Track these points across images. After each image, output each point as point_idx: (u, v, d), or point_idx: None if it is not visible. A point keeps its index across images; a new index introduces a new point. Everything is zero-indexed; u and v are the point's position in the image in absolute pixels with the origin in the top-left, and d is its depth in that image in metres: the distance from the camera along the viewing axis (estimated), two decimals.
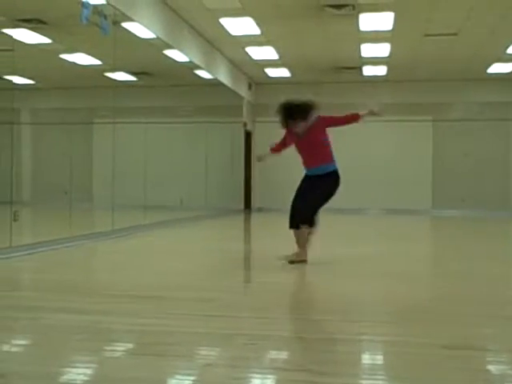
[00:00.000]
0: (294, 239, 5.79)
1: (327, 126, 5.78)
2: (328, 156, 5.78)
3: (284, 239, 8.09)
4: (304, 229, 5.70)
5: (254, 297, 4.47)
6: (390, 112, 15.82)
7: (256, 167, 15.78)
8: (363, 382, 2.49)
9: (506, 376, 2.58)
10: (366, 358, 2.87)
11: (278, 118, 5.78)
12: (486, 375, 2.57)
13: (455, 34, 10.90)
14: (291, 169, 15.81)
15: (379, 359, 2.87)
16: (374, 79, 15.38)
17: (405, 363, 2.68)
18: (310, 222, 5.75)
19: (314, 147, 5.71)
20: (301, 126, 5.69)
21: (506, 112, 15.39)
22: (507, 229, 12.31)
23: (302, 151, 5.80)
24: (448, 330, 3.28)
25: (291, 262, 5.62)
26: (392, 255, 6.91)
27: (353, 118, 5.77)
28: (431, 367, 2.60)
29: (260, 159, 6.07)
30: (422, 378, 2.48)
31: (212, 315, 3.74)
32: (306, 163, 5.82)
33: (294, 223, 5.73)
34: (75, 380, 2.44)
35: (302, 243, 5.73)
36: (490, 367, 2.72)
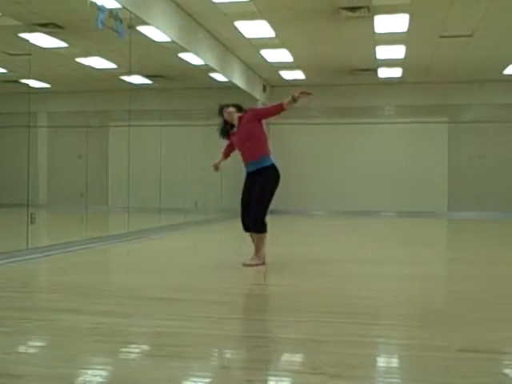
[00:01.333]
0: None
1: (258, 118, 5.82)
2: (263, 149, 5.79)
3: (297, 241, 8.07)
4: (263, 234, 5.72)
5: (268, 299, 4.47)
6: (405, 114, 15.79)
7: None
8: None
9: None
10: (381, 361, 2.86)
11: (218, 126, 6.16)
12: (502, 378, 2.55)
13: (471, 36, 10.84)
14: (305, 171, 15.83)
15: (394, 362, 2.86)
16: (390, 81, 15.32)
17: (420, 366, 2.66)
18: (263, 227, 5.72)
19: (247, 139, 5.74)
20: (235, 119, 5.87)
21: None
22: None
23: (239, 147, 5.87)
24: (464, 333, 3.26)
25: (248, 266, 5.63)
26: (408, 258, 6.88)
27: (278, 108, 5.73)
28: (446, 370, 2.59)
29: (216, 168, 6.19)
30: (437, 381, 2.46)
31: (226, 317, 3.74)
32: (244, 160, 5.89)
33: (248, 227, 5.78)
34: (91, 382, 2.46)
35: (260, 246, 5.73)
36: (507, 370, 2.70)
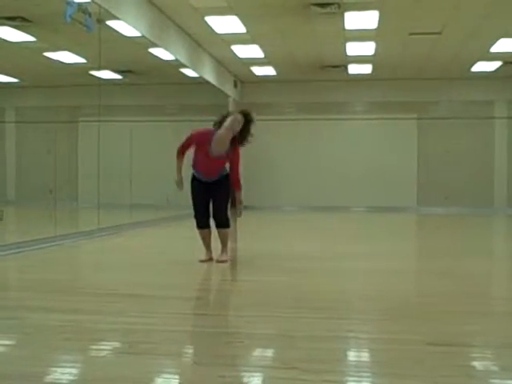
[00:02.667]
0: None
1: (233, 152, 5.67)
2: (224, 169, 5.82)
3: (269, 236, 8.10)
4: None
5: (240, 295, 4.48)
6: (375, 110, 15.92)
7: (242, 165, 15.76)
8: (349, 378, 2.51)
9: (490, 372, 2.61)
10: (352, 355, 2.89)
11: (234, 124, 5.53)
12: (471, 371, 2.60)
13: (439, 33, 10.96)
14: (276, 167, 15.87)
15: (365, 356, 2.88)
16: (360, 77, 15.43)
17: (390, 360, 2.70)
18: (229, 223, 5.83)
19: (218, 166, 5.71)
20: (223, 147, 5.60)
21: (489, 110, 15.50)
22: (491, 225, 12.41)
23: (206, 163, 5.68)
24: (433, 326, 3.31)
25: (222, 262, 5.68)
26: (378, 253, 6.94)
27: (236, 182, 5.77)
28: (416, 364, 2.62)
29: (179, 185, 5.86)
30: (407, 374, 2.49)
31: (197, 314, 3.74)
32: (207, 173, 5.73)
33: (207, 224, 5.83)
34: (61, 380, 2.44)
35: (227, 241, 5.83)
36: (475, 363, 2.75)
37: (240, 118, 5.54)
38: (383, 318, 3.55)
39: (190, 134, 5.80)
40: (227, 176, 5.81)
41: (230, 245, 5.89)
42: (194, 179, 5.87)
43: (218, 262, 5.68)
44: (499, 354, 2.87)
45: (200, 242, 5.84)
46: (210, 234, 5.86)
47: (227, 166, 5.81)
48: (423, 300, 4.17)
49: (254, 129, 5.63)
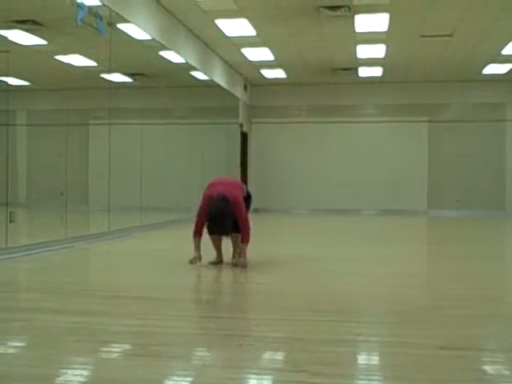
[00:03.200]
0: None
1: (239, 195, 5.60)
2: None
3: (279, 239, 8.09)
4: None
5: (250, 298, 4.47)
6: (385, 113, 15.88)
7: (252, 168, 15.79)
8: (359, 382, 2.49)
9: (502, 376, 2.59)
10: (363, 359, 2.87)
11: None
12: (482, 375, 2.58)
13: (450, 35, 10.93)
14: (287, 170, 15.86)
15: (375, 360, 2.87)
16: (370, 80, 15.40)
17: (401, 364, 2.68)
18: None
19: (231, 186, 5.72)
20: None
21: (500, 113, 15.43)
22: (502, 229, 12.34)
23: (218, 187, 5.65)
24: (444, 330, 3.29)
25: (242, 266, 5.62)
26: (388, 256, 6.92)
27: (245, 232, 5.59)
28: (428, 368, 2.61)
29: (194, 262, 5.61)
30: (418, 378, 2.48)
31: (208, 316, 3.74)
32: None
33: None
34: (71, 382, 2.44)
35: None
36: (486, 367, 2.73)
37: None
38: (393, 321, 3.53)
39: (199, 206, 5.68)
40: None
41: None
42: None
43: (237, 265, 5.65)
44: (511, 357, 2.85)
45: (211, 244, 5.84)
46: (220, 239, 5.81)
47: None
48: (434, 303, 4.15)
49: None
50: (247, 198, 5.84)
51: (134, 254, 7.11)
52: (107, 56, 8.63)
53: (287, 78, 15.15)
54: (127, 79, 11.26)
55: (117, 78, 10.36)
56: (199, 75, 12.01)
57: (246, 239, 5.59)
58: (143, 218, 10.07)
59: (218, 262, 5.79)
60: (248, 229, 5.58)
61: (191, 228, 5.69)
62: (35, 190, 12.54)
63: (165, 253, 7.15)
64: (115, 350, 2.93)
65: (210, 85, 12.60)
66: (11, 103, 7.41)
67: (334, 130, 15.97)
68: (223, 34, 10.88)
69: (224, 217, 5.35)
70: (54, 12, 8.06)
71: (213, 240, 5.81)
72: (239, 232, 5.67)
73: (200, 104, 12.64)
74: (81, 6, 7.14)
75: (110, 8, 7.81)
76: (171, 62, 10.71)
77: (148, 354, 2.79)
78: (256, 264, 5.80)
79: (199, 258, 5.60)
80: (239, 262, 5.66)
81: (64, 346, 2.94)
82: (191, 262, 5.59)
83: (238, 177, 5.66)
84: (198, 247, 5.63)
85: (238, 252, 5.76)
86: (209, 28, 10.56)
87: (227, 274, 5.43)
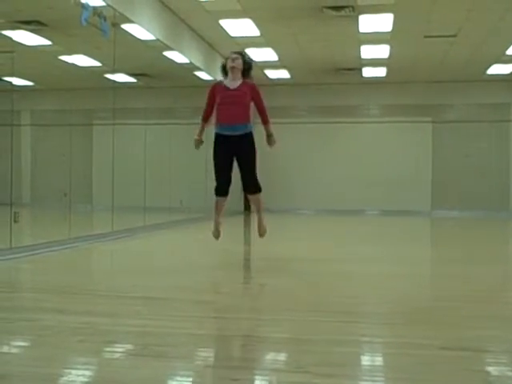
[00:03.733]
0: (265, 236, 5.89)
1: (253, 98, 5.76)
2: (250, 117, 5.82)
3: (284, 239, 8.10)
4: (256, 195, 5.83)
5: (254, 298, 4.47)
6: (389, 113, 15.87)
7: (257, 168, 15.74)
8: (363, 383, 2.49)
9: (505, 377, 2.59)
10: (365, 360, 2.87)
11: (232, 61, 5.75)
12: (485, 376, 2.57)
13: (454, 36, 10.91)
14: (290, 170, 15.86)
15: (378, 360, 2.87)
16: (374, 80, 15.39)
17: (404, 365, 2.68)
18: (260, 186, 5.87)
19: (239, 104, 5.69)
20: (236, 76, 5.75)
21: (505, 113, 15.40)
22: (506, 230, 12.31)
23: (226, 104, 5.70)
24: (448, 331, 3.28)
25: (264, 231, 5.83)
26: (392, 256, 6.91)
27: (265, 117, 5.91)
28: (430, 369, 2.60)
29: (199, 144, 5.92)
30: (420, 379, 2.48)
31: (211, 317, 3.75)
32: (227, 120, 5.68)
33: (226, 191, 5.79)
34: (75, 381, 2.44)
35: (261, 205, 5.91)
36: (489, 368, 2.72)
37: (233, 55, 5.80)
38: (397, 322, 3.53)
39: (207, 95, 5.87)
40: (252, 134, 5.80)
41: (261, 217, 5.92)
42: (217, 138, 5.78)
43: (261, 235, 5.76)
44: None
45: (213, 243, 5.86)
46: (225, 203, 5.83)
47: (250, 122, 5.81)
48: (437, 304, 4.14)
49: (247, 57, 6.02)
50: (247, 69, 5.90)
51: (137, 254, 7.12)
52: (111, 56, 8.64)
53: (291, 78, 15.15)
54: (131, 79, 11.28)
55: (121, 78, 10.38)
56: (203, 75, 12.02)
57: (265, 119, 5.89)
58: (147, 218, 10.08)
59: (219, 234, 5.86)
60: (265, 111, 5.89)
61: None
62: (39, 190, 12.57)
63: (168, 253, 7.15)
64: (119, 350, 2.93)
65: None
66: (15, 103, 7.43)
67: (338, 131, 15.96)
68: (227, 34, 10.88)
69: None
70: (59, 12, 8.08)
71: (218, 205, 5.81)
72: (259, 192, 5.80)
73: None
74: (85, 7, 7.16)
75: (114, 8, 7.82)
76: (175, 62, 10.72)
77: (151, 354, 2.79)
78: (260, 264, 5.80)
79: (199, 140, 5.90)
80: (261, 229, 5.84)
81: (67, 346, 2.94)
82: (195, 143, 5.88)
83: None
84: (201, 130, 5.95)
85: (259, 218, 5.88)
86: (213, 28, 10.57)
87: (230, 275, 5.43)
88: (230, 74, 5.76)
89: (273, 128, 5.91)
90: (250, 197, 5.86)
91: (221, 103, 5.69)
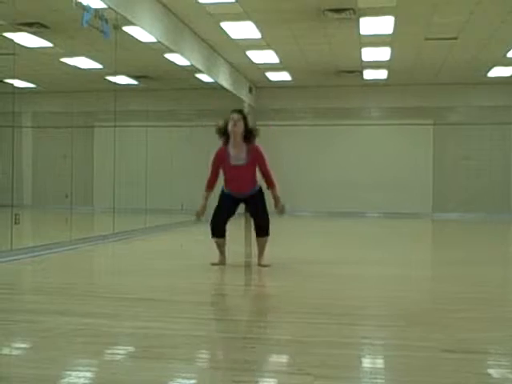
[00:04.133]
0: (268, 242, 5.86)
1: (257, 163, 5.68)
2: (256, 181, 5.80)
3: (283, 241, 8.10)
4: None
5: (255, 300, 4.48)
6: (390, 116, 15.87)
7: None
8: None
9: (507, 379, 2.59)
10: (366, 362, 2.87)
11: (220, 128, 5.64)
12: (486, 378, 2.57)
13: (455, 38, 10.91)
14: (291, 172, 15.85)
15: (379, 363, 2.87)
16: (375, 83, 15.39)
17: (405, 367, 2.68)
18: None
19: (245, 178, 5.67)
20: (240, 149, 5.60)
21: (506, 116, 15.39)
22: (507, 232, 12.30)
23: (234, 180, 5.67)
24: (448, 333, 3.28)
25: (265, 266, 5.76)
26: (392, 259, 6.91)
27: (270, 182, 5.75)
28: (431, 370, 2.60)
29: (199, 216, 5.75)
30: (421, 381, 2.48)
31: (212, 318, 3.75)
32: (233, 189, 5.70)
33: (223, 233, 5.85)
34: (76, 383, 2.45)
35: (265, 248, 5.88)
36: (491, 370, 2.72)
37: (235, 116, 5.57)
38: (398, 324, 3.53)
39: (211, 162, 5.77)
40: (261, 190, 5.80)
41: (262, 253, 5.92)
42: (223, 192, 5.82)
43: (262, 266, 5.76)
44: None
45: (214, 246, 5.86)
46: (225, 242, 5.88)
47: (259, 181, 5.81)
48: (438, 306, 4.14)
49: (251, 122, 5.79)
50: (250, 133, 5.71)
51: (138, 255, 7.12)
52: (112, 58, 8.65)
53: (292, 80, 15.16)
54: (132, 81, 11.29)
55: (122, 80, 10.39)
56: (204, 78, 12.03)
57: (270, 183, 5.74)
58: (148, 219, 10.09)
59: (220, 263, 5.83)
60: (270, 175, 5.73)
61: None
62: (40, 192, 12.58)
63: (169, 255, 7.16)
64: (119, 352, 2.93)
65: (214, 87, 12.61)
66: (17, 105, 7.44)
67: (339, 133, 15.96)
68: (228, 36, 10.89)
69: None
70: (60, 15, 8.09)
71: (217, 244, 5.85)
72: (267, 235, 5.79)
73: (205, 106, 12.65)
74: (87, 9, 7.17)
75: (115, 11, 7.83)
76: (176, 65, 10.73)
77: (152, 356, 2.79)
78: (260, 268, 5.80)
79: (202, 210, 5.76)
80: (263, 262, 5.80)
81: (68, 348, 2.95)
82: (197, 214, 5.74)
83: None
84: (205, 198, 5.77)
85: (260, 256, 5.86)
86: (214, 31, 10.58)
87: (231, 277, 5.44)
88: (231, 140, 5.59)
89: (279, 191, 5.79)
90: (258, 239, 5.85)
91: (227, 177, 5.69)
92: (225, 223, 5.83)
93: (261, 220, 5.78)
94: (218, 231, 5.81)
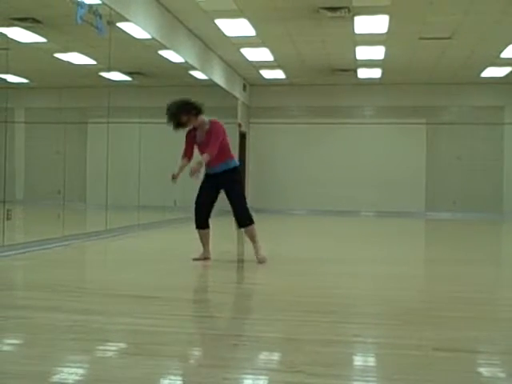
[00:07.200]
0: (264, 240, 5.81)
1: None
2: (228, 152, 5.88)
3: (277, 239, 8.11)
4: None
5: (246, 298, 4.48)
6: (384, 115, 15.90)
7: (250, 168, 15.79)
8: (355, 383, 2.50)
9: (498, 378, 2.60)
10: (358, 360, 2.88)
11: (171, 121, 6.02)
12: (477, 377, 2.58)
13: (449, 38, 10.94)
14: (285, 170, 15.87)
15: (371, 361, 2.87)
16: (369, 82, 15.42)
17: (396, 365, 2.68)
18: (252, 218, 5.86)
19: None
20: (202, 128, 5.86)
21: (499, 116, 15.46)
22: (499, 231, 12.35)
23: (202, 152, 5.83)
24: (440, 332, 3.29)
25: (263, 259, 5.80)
26: (385, 257, 6.93)
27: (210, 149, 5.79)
28: (422, 369, 2.61)
29: (174, 178, 5.90)
30: (413, 379, 2.48)
31: (203, 316, 3.74)
32: (206, 164, 5.78)
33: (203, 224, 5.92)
34: (67, 380, 2.44)
35: (256, 237, 5.87)
36: (481, 369, 2.73)
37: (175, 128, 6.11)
38: (390, 322, 3.54)
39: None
40: (235, 169, 5.85)
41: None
42: (205, 174, 5.97)
43: (260, 262, 5.75)
44: (506, 360, 2.85)
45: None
46: (208, 234, 5.95)
47: (230, 159, 5.88)
48: (430, 305, 4.15)
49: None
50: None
51: (130, 252, 7.11)
52: (106, 54, 8.62)
53: (286, 78, 15.16)
54: (126, 78, 11.25)
55: (116, 76, 10.35)
56: (198, 75, 12.01)
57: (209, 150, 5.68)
58: (141, 216, 10.07)
59: (203, 258, 5.92)
60: (212, 152, 5.69)
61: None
62: (33, 188, 12.53)
63: (162, 252, 7.15)
64: (111, 349, 2.93)
65: (208, 84, 12.59)
66: (10, 101, 7.41)
67: (333, 131, 15.98)
68: (223, 33, 10.88)
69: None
70: (54, 10, 8.06)
71: (200, 236, 5.96)
72: (250, 225, 5.80)
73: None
74: (81, 4, 7.14)
75: (109, 6, 7.81)
76: (170, 62, 10.70)
77: (143, 353, 2.79)
78: (253, 264, 5.80)
79: (176, 175, 5.89)
80: (260, 257, 5.80)
81: (60, 344, 2.94)
82: (172, 176, 5.87)
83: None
84: (180, 167, 5.95)
85: (255, 247, 5.87)
86: (208, 28, 10.56)
87: (223, 274, 5.43)
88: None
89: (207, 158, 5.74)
90: (244, 230, 5.86)
91: (200, 154, 5.87)
92: (207, 212, 5.89)
93: (237, 206, 5.78)
94: (200, 220, 5.88)
